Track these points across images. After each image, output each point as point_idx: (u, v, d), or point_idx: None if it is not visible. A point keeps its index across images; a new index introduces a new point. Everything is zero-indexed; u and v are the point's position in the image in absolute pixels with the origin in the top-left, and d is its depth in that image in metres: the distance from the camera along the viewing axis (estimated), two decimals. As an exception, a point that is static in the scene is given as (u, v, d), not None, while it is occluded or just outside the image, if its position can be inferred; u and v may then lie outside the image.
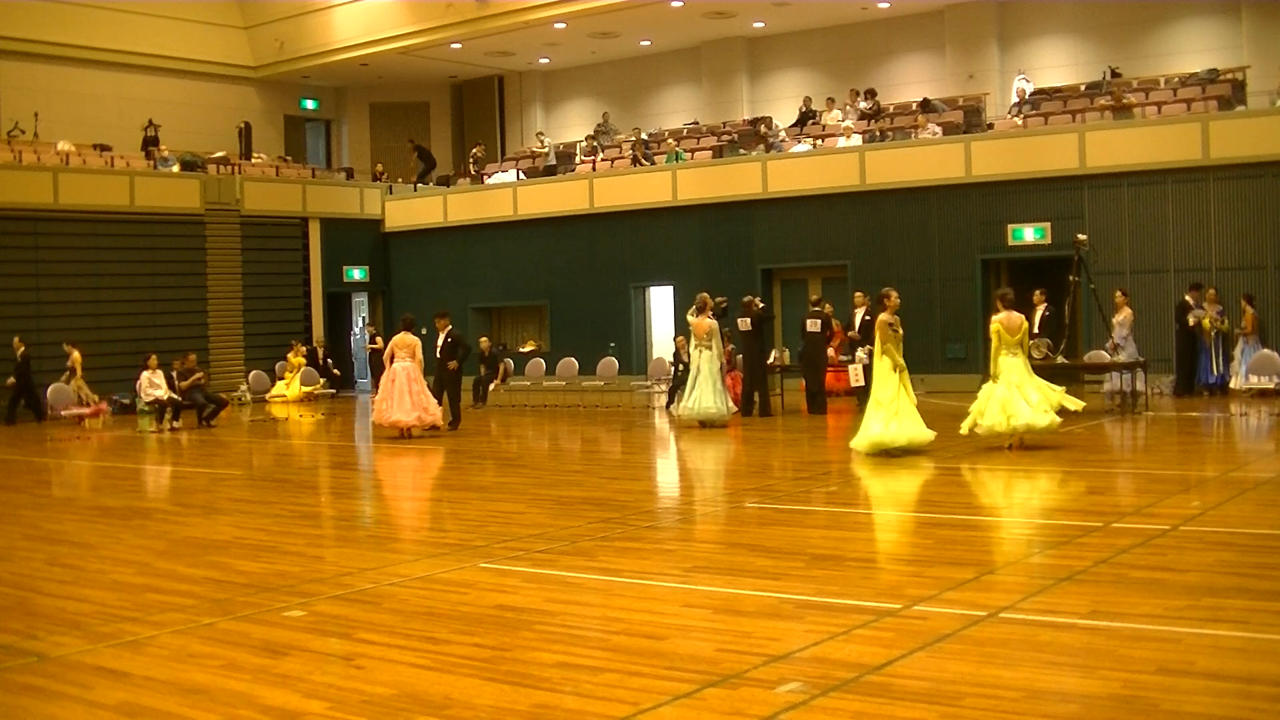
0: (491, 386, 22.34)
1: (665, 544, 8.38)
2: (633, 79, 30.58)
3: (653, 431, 17.18)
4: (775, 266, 23.39)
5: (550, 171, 27.42)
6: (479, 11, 26.74)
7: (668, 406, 18.83)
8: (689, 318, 16.95)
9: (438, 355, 17.30)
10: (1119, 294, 17.68)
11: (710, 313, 16.65)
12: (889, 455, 12.06)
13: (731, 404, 16.72)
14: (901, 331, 12.70)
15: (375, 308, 29.05)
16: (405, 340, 16.47)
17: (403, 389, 16.13)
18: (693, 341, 16.65)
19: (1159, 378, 18.28)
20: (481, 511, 10.01)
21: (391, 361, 16.44)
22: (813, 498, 10.51)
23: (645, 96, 30.10)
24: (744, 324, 17.65)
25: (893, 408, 12.22)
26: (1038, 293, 18.00)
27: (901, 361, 12.49)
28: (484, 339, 23.65)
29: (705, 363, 16.29)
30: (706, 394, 16.19)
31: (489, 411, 21.16)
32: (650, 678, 5.09)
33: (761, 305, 18.13)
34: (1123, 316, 17.44)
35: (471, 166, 29.25)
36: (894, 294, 12.78)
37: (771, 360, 18.73)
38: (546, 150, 28.40)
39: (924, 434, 12.32)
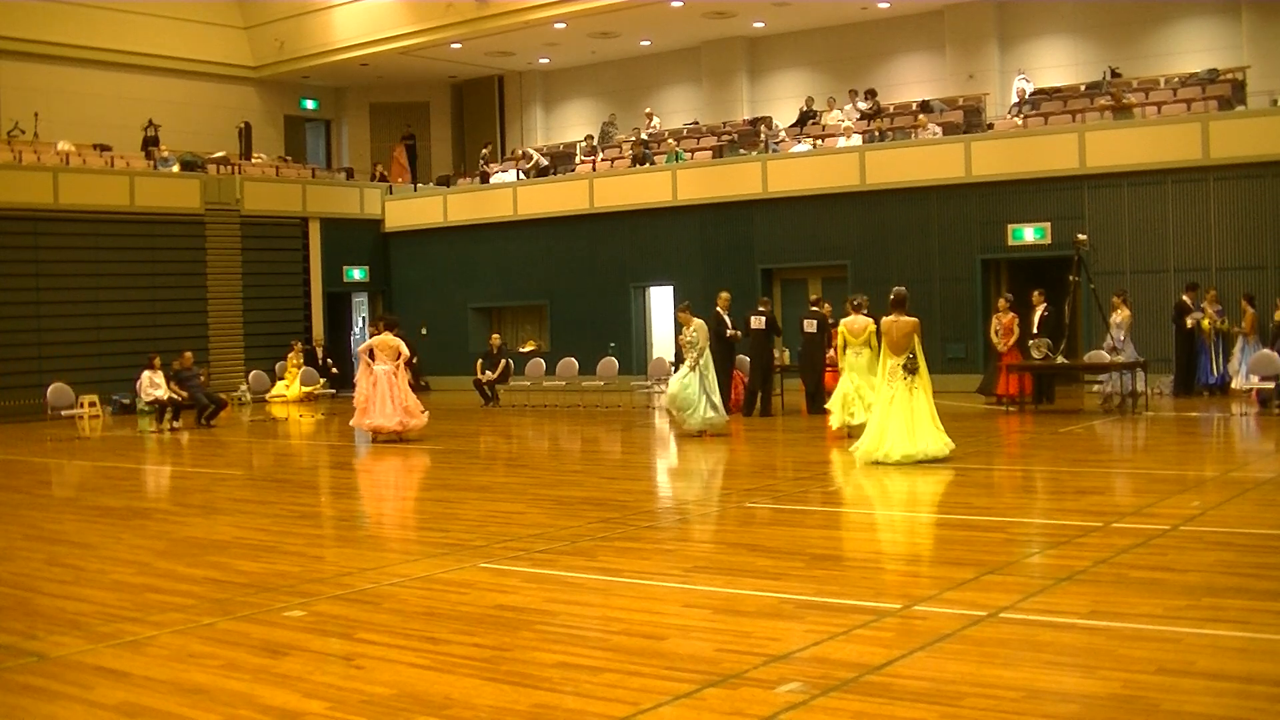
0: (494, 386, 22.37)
1: (665, 544, 8.38)
2: (633, 79, 30.57)
3: (653, 431, 17.17)
4: (775, 266, 23.39)
5: (543, 173, 27.40)
6: (479, 11, 26.74)
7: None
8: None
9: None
10: (1116, 296, 17.68)
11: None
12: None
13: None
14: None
15: (375, 308, 29.05)
16: (387, 342, 16.20)
17: (384, 393, 15.84)
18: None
19: (1159, 378, 18.28)
20: (481, 511, 10.01)
21: (371, 358, 16.10)
22: (813, 498, 10.51)
23: (645, 96, 30.08)
24: (757, 322, 17.66)
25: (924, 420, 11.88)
26: (1037, 293, 18.03)
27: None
28: (495, 336, 23.64)
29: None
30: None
31: (491, 411, 21.17)
32: (650, 678, 5.09)
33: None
34: (1121, 318, 17.44)
35: (481, 164, 29.24)
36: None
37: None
38: (532, 161, 28.26)
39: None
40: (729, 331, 17.62)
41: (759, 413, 17.60)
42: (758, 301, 17.85)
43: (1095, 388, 18.02)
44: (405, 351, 16.30)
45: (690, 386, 15.15)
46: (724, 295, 18.03)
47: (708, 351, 15.45)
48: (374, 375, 15.96)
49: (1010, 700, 4.62)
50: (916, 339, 12.10)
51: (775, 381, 18.72)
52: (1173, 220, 19.39)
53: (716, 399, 15.31)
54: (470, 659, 5.50)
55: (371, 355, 16.19)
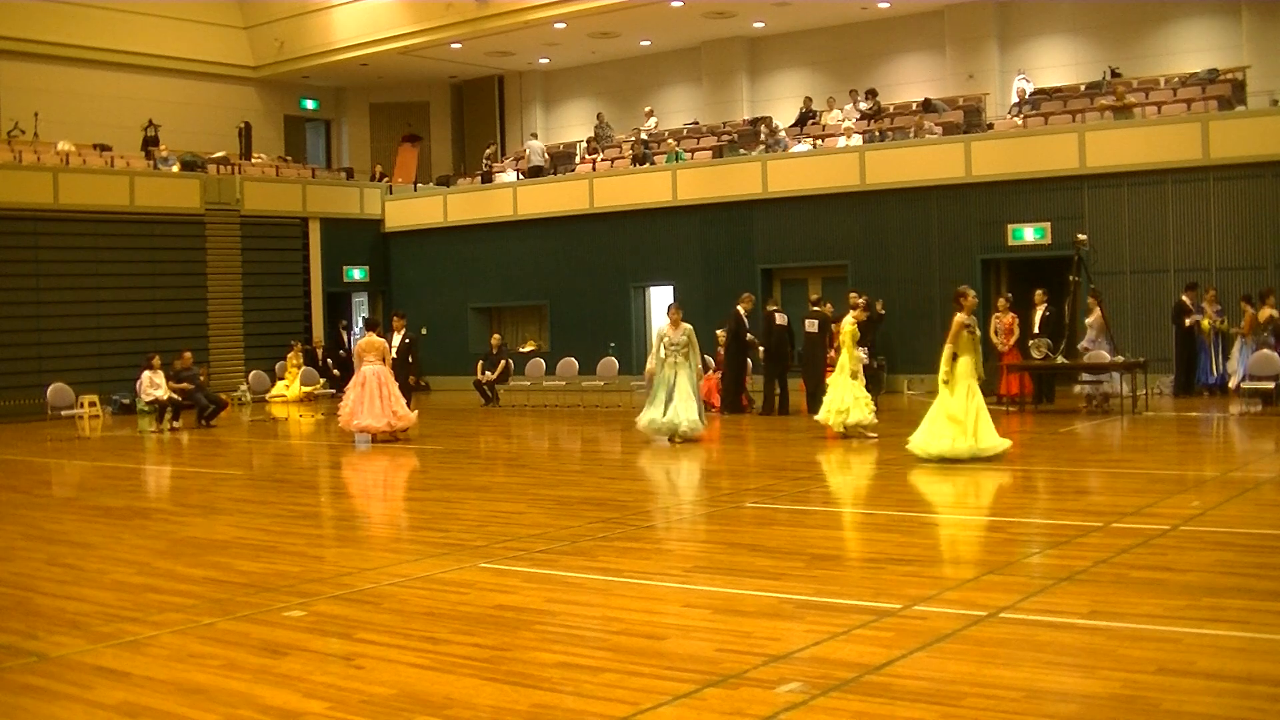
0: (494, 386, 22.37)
1: (665, 544, 8.38)
2: (633, 79, 30.56)
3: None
4: (775, 266, 23.38)
5: (536, 173, 27.38)
6: (479, 11, 26.74)
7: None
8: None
9: (392, 356, 16.86)
10: (1091, 297, 17.68)
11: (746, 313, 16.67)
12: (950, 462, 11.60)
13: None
14: (979, 333, 12.14)
15: (375, 308, 29.05)
16: (372, 343, 16.22)
17: (373, 393, 15.82)
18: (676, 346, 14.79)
19: (1159, 378, 18.29)
20: (481, 511, 10.01)
21: (360, 364, 16.08)
22: (813, 498, 10.51)
23: (645, 96, 30.08)
24: (781, 319, 17.78)
25: (970, 421, 11.62)
26: (1038, 293, 18.03)
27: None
28: (495, 336, 23.63)
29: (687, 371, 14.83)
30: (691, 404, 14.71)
31: (491, 411, 21.17)
32: (650, 678, 5.09)
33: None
34: (1092, 319, 17.47)
35: (485, 164, 29.23)
36: (970, 293, 12.07)
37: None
38: (527, 153, 28.20)
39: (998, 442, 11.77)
40: (749, 336, 17.72)
41: (760, 410, 17.61)
42: (768, 302, 17.96)
43: (1078, 388, 18.01)
44: (389, 353, 16.38)
45: (688, 407, 14.54)
46: (748, 296, 18.06)
47: (695, 357, 14.92)
48: (362, 376, 16.02)
49: (1010, 700, 4.62)
50: (956, 338, 11.77)
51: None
52: (1173, 220, 19.39)
53: (688, 404, 14.59)
54: (470, 659, 5.50)
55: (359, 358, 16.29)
